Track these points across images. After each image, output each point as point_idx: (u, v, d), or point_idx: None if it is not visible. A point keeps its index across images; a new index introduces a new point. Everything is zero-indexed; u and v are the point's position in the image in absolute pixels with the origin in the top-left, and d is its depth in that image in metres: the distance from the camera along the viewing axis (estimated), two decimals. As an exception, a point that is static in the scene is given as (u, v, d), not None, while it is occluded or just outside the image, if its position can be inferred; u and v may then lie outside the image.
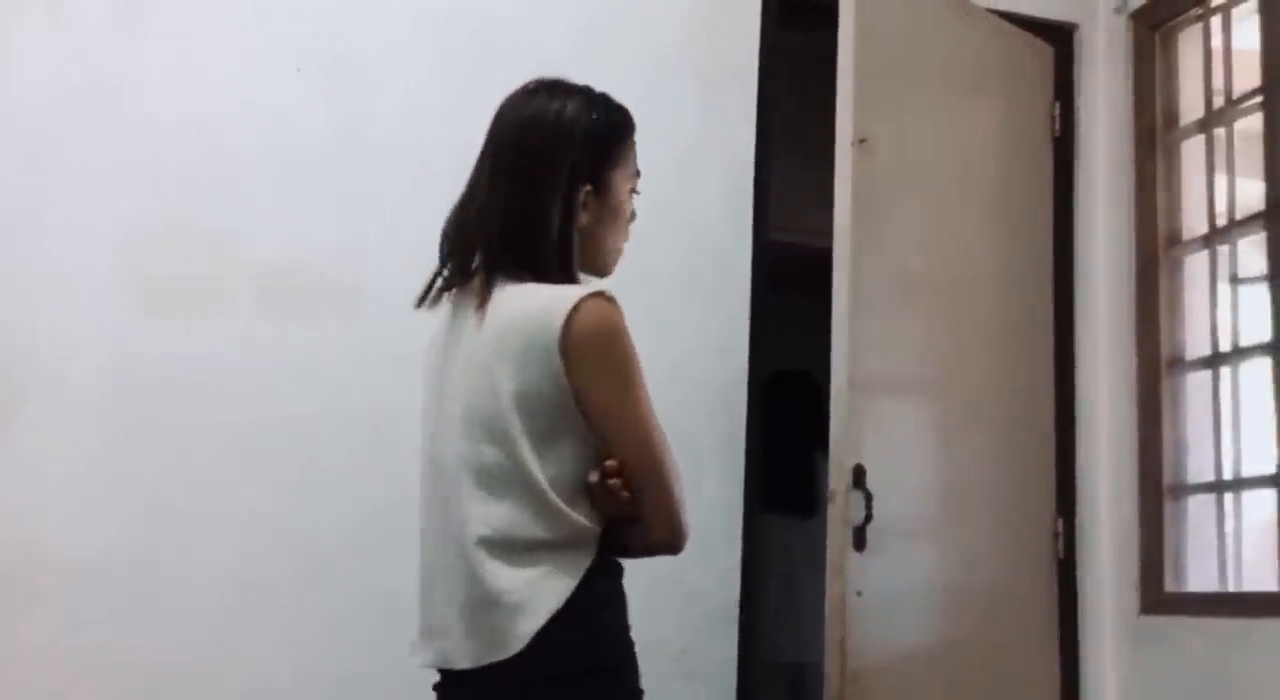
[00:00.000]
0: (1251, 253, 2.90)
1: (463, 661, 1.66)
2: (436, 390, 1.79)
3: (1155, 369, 2.97)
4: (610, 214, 1.78)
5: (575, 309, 1.62)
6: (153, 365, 2.68)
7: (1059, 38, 3.29)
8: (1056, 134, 3.24)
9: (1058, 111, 3.25)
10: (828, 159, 2.83)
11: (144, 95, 2.76)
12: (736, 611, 2.94)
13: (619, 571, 1.73)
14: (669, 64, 3.09)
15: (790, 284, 3.52)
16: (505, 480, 1.65)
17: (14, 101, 2.68)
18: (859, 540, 2.63)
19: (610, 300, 1.66)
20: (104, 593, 2.58)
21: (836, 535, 2.61)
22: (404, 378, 2.79)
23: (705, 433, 2.97)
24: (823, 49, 2.86)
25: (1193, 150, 3.04)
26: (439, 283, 1.78)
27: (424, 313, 2.70)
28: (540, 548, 1.65)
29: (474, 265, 1.74)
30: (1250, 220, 2.87)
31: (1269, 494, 2.72)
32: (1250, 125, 2.91)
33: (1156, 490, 2.92)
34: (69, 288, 2.67)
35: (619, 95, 3.01)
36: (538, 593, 1.63)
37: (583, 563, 1.66)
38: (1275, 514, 2.68)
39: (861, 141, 2.78)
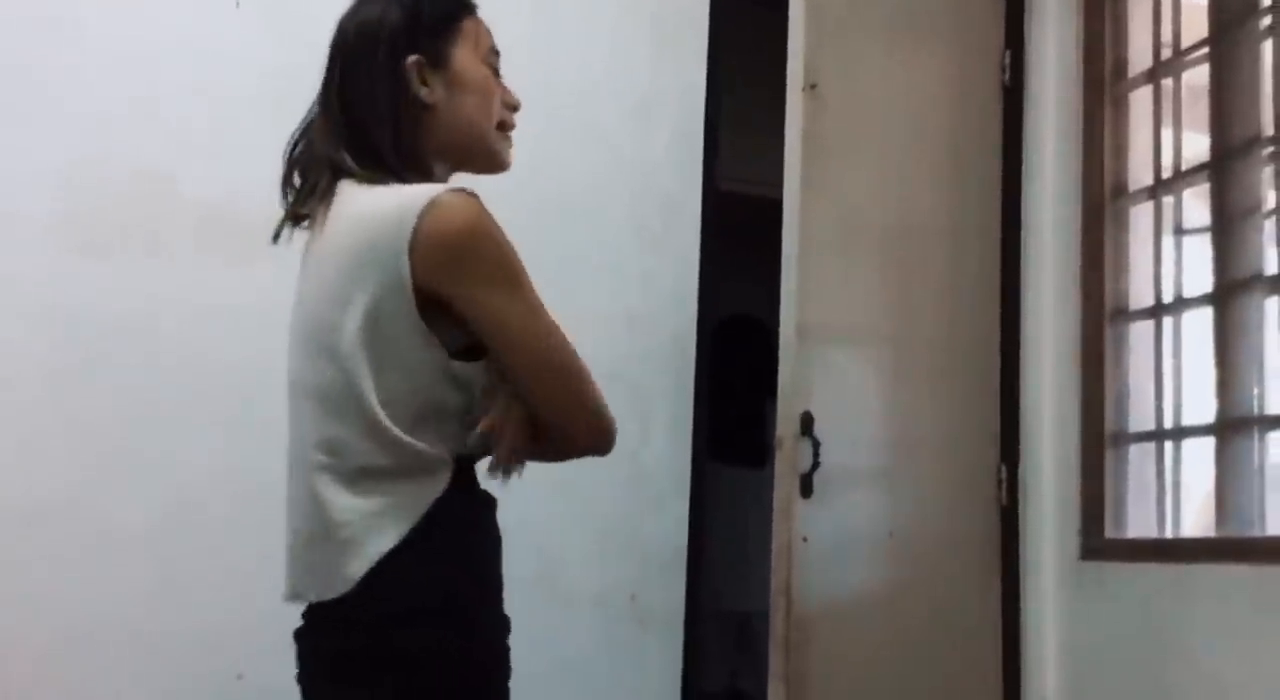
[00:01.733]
0: (1196, 204, 2.92)
1: (308, 595, 1.54)
2: (296, 303, 1.62)
3: (1099, 319, 2.99)
4: (463, 87, 1.62)
5: (429, 207, 1.44)
6: (90, 307, 2.63)
7: (1011, -15, 3.28)
8: (1007, 83, 3.23)
9: (1008, 60, 3.24)
10: (779, 106, 2.81)
11: (79, 33, 2.68)
12: (685, 559, 2.96)
13: (482, 505, 1.57)
14: (621, 8, 3.06)
15: (741, 232, 3.52)
16: (340, 400, 1.49)
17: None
18: (806, 487, 2.64)
19: (472, 195, 1.49)
20: (41, 536, 2.54)
21: (784, 482, 2.62)
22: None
23: (656, 382, 2.97)
24: (775, -6, 2.84)
25: (1141, 101, 3.05)
26: (289, 210, 1.62)
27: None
28: (379, 476, 1.48)
29: (331, 180, 1.57)
30: (1194, 172, 2.88)
31: (1208, 442, 2.76)
32: (1197, 77, 2.93)
33: (1098, 438, 2.95)
34: (4, 229, 2.60)
35: (573, 43, 3.02)
36: (372, 528, 1.47)
37: (427, 496, 1.49)
38: (1214, 462, 2.72)
39: (812, 87, 2.76)
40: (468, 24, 1.65)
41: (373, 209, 1.49)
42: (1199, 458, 2.80)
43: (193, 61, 2.74)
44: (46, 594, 2.52)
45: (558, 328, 1.53)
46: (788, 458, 2.62)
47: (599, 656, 2.84)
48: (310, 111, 1.63)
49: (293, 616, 2.68)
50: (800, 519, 2.62)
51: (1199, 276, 2.85)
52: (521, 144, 2.92)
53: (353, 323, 1.46)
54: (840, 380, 2.81)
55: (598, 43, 3.02)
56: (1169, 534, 2.84)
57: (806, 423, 2.65)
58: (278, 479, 2.61)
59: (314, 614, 1.53)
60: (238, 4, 2.78)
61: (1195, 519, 2.82)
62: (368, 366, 1.47)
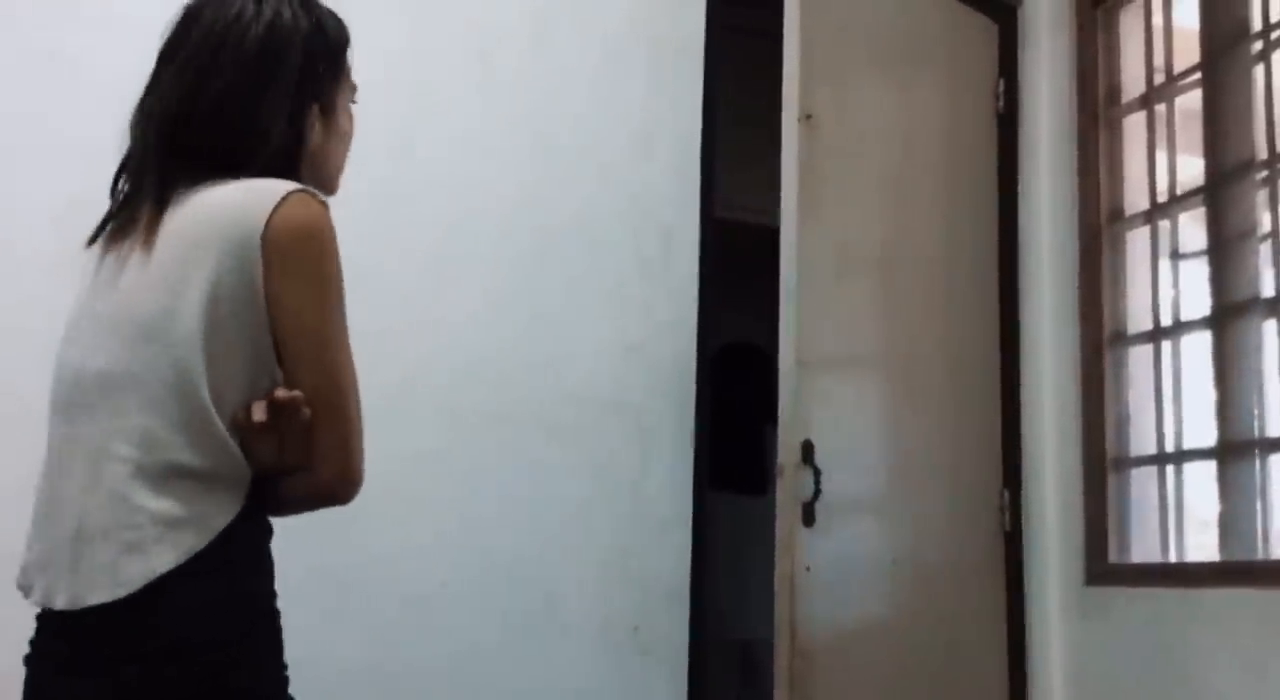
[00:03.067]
0: (1192, 228, 2.93)
1: (59, 599, 1.40)
2: (85, 311, 1.53)
3: (1098, 343, 3.00)
4: (336, 135, 1.63)
5: (283, 201, 1.43)
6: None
7: (1004, 14, 3.31)
8: (1001, 110, 3.26)
9: (1002, 88, 3.26)
10: (775, 135, 2.82)
11: (77, 66, 2.69)
12: (688, 589, 2.95)
13: (267, 531, 1.49)
14: (618, 41, 3.07)
15: (739, 260, 3.53)
16: (164, 389, 1.40)
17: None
18: (808, 516, 2.64)
19: (323, 202, 1.47)
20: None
21: (786, 511, 2.62)
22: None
23: (656, 411, 2.97)
24: (770, 26, 2.85)
25: (1135, 127, 3.07)
26: (125, 217, 1.53)
27: (361, 291, 2.68)
28: (185, 476, 1.40)
29: (167, 181, 1.49)
30: (1190, 196, 2.90)
31: (1209, 466, 2.76)
32: (1190, 102, 2.94)
33: (1100, 463, 2.95)
34: (8, 266, 2.61)
35: (569, 71, 3.05)
36: (162, 535, 1.37)
37: (229, 508, 1.41)
38: (1216, 486, 2.72)
39: (807, 117, 2.78)
40: (347, 61, 1.65)
41: (224, 199, 1.45)
42: (1201, 481, 2.80)
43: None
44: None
45: (350, 360, 1.48)
46: (789, 487, 2.62)
47: (603, 690, 2.82)
48: (156, 88, 1.55)
49: (293, 653, 2.66)
50: (802, 548, 2.61)
51: (1197, 300, 2.86)
52: (519, 176, 2.97)
53: (191, 309, 1.41)
54: (840, 408, 2.81)
55: (594, 75, 3.03)
56: (1173, 558, 2.83)
57: (807, 451, 2.65)
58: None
59: (75, 624, 1.39)
60: (236, 42, 2.79)
61: (1198, 542, 2.81)
62: (203, 355, 1.40)
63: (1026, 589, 3.03)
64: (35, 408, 2.54)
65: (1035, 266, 3.17)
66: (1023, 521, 3.07)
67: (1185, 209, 2.93)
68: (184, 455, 1.40)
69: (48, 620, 1.44)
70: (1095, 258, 3.05)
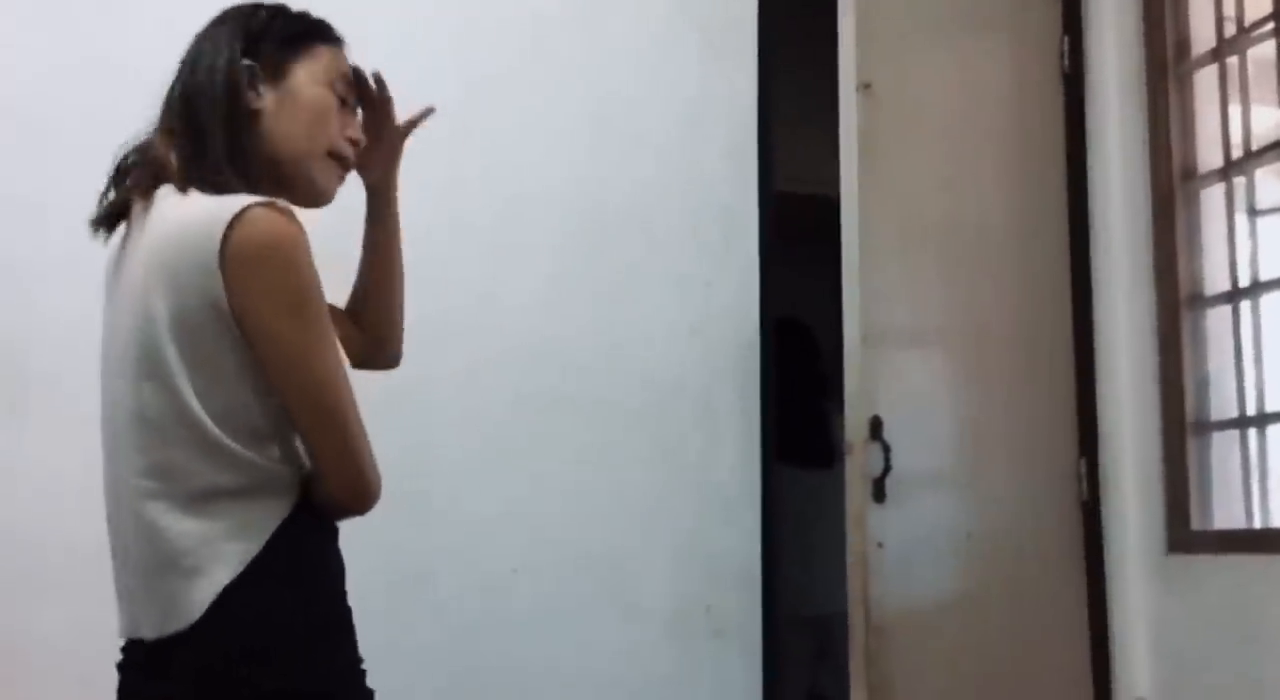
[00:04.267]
0: (1268, 184, 2.84)
1: (146, 630, 1.44)
2: (106, 323, 1.55)
3: (1174, 306, 2.92)
4: (294, 102, 1.56)
5: (238, 218, 1.37)
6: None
7: (1066, -29, 3.22)
8: (1066, 70, 3.17)
9: (1067, 47, 3.17)
10: (833, 105, 2.78)
11: (134, 72, 2.69)
12: (759, 567, 2.94)
13: (327, 529, 1.50)
14: (670, 18, 3.05)
15: (801, 233, 3.49)
16: (165, 420, 1.41)
17: (3, 87, 2.65)
18: (878, 492, 2.61)
19: (284, 212, 1.41)
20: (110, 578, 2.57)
21: (855, 489, 2.60)
22: (408, 346, 2.79)
23: (721, 391, 2.95)
24: (823, -5, 2.81)
25: (1206, 81, 2.97)
26: (105, 207, 1.58)
27: (427, 284, 2.69)
28: (218, 497, 1.41)
29: (149, 187, 1.51)
30: (1266, 150, 2.80)
31: (1294, 428, 2.69)
32: (1263, 53, 2.84)
33: (1179, 428, 2.87)
34: (70, 275, 2.65)
35: (621, 52, 3.03)
36: (216, 553, 1.39)
37: (274, 514, 1.42)
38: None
39: (865, 87, 2.73)
40: (320, 48, 1.62)
41: (179, 218, 1.43)
42: (1285, 444, 2.72)
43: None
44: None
45: (340, 369, 1.46)
46: (858, 463, 2.59)
47: (677, 673, 2.83)
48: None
49: (365, 641, 2.70)
50: (874, 525, 2.58)
51: (1276, 258, 2.77)
52: (576, 160, 2.96)
53: (165, 341, 1.40)
54: (908, 382, 2.77)
55: (646, 54, 3.01)
56: (1257, 524, 2.76)
57: (875, 427, 2.62)
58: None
59: (160, 648, 1.43)
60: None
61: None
62: (190, 384, 1.40)
63: (1106, 559, 2.97)
64: (81, 409, 2.59)
65: (1107, 229, 3.09)
66: (1101, 490, 3.00)
67: (1261, 164, 2.83)
68: (212, 479, 1.41)
69: (134, 648, 1.50)
70: (1169, 218, 2.96)
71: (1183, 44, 3.01)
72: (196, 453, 1.41)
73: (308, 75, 1.59)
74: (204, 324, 1.39)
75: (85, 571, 2.55)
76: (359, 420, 1.46)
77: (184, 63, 1.60)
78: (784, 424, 3.19)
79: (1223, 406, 2.86)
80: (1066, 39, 3.17)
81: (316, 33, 1.64)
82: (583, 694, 2.74)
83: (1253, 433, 2.79)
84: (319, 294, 1.44)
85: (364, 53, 2.83)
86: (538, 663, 2.74)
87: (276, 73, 1.56)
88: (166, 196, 1.48)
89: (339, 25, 2.83)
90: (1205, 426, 2.87)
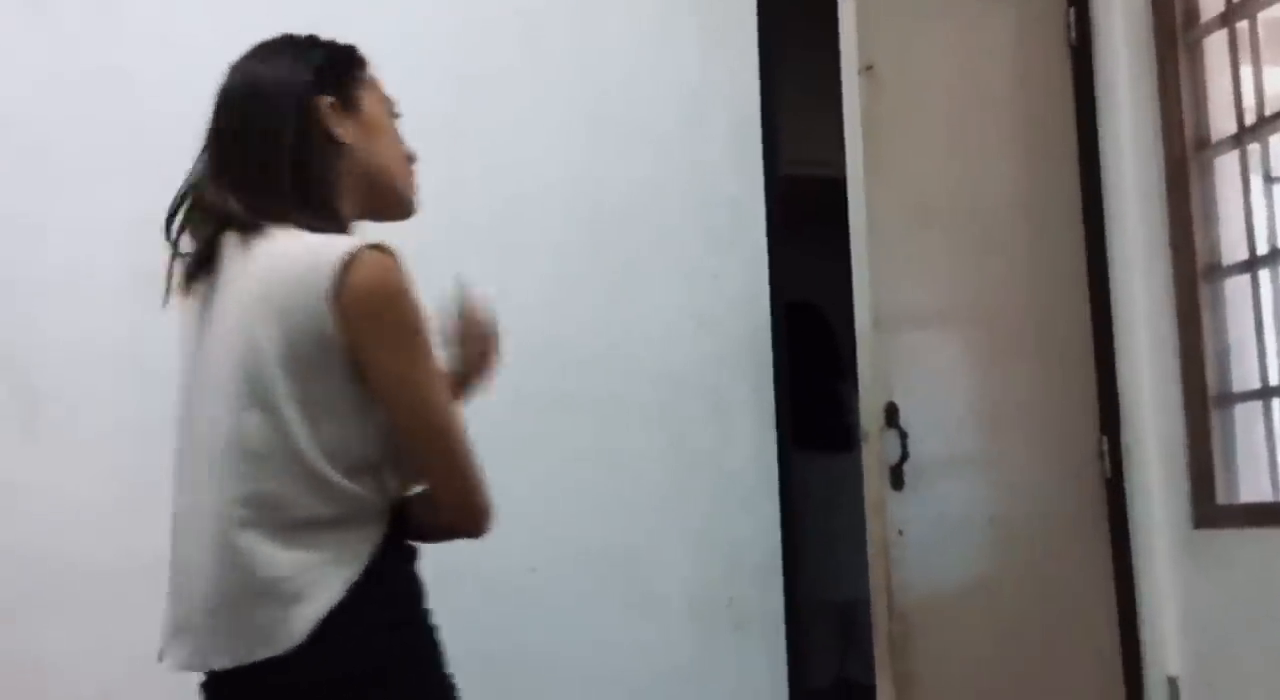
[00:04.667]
0: (1284, 149, 2.79)
1: (221, 661, 1.46)
2: (192, 355, 1.58)
3: (1192, 277, 2.87)
4: (376, 130, 1.62)
5: (349, 261, 1.43)
6: (168, 363, 2.65)
7: (1069, -60, 3.16)
8: (1073, 41, 3.11)
9: (1073, 18, 3.12)
10: (835, 86, 2.75)
11: (132, 83, 2.72)
12: (779, 557, 2.91)
13: (412, 554, 1.55)
14: (665, 8, 3.01)
15: (808, 216, 3.46)
16: (270, 451, 1.45)
17: (2, 100, 2.64)
18: (896, 479, 2.58)
19: (389, 252, 1.46)
20: (127, 598, 2.56)
21: (873, 476, 2.57)
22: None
23: (733, 382, 2.92)
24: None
25: (1216, 47, 2.92)
26: (180, 267, 1.59)
27: (425, 284, 2.67)
28: (316, 527, 1.45)
29: (217, 231, 1.54)
30: (1279, 116, 2.75)
31: (1318, 398, 2.64)
32: (1274, 13, 2.79)
33: (1202, 401, 2.83)
34: (77, 288, 2.65)
35: (619, 43, 2.99)
36: (317, 579, 1.43)
37: (368, 543, 1.47)
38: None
39: (868, 69, 2.69)
40: (368, 73, 1.67)
41: (287, 257, 1.47)
42: (1310, 414, 2.68)
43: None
44: (138, 652, 2.53)
45: (448, 395, 1.54)
46: (874, 451, 2.56)
47: (700, 666, 2.80)
48: (195, 167, 1.61)
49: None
50: (893, 512, 2.55)
51: (1294, 225, 2.72)
52: (575, 154, 2.93)
53: (278, 374, 1.44)
54: (923, 367, 2.74)
55: (644, 44, 2.98)
56: (1284, 496, 2.71)
57: (891, 414, 2.59)
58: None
59: (246, 678, 1.44)
60: (287, 47, 2.78)
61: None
62: (302, 418, 1.44)
63: (1132, 536, 2.93)
64: (115, 428, 2.56)
65: (1120, 202, 3.04)
66: (1124, 467, 2.96)
67: (1276, 130, 2.78)
68: (309, 510, 1.45)
69: (213, 678, 1.50)
70: (1183, 188, 2.91)
71: (1191, 10, 2.96)
72: (300, 484, 1.45)
73: (371, 101, 1.65)
74: (315, 359, 1.44)
75: (93, 591, 2.56)
76: (469, 447, 1.51)
77: (233, 100, 1.60)
78: (798, 410, 3.17)
79: (1245, 377, 2.81)
80: (1072, 10, 3.12)
81: (361, 60, 1.69)
82: (606, 691, 2.72)
83: (1276, 403, 2.74)
84: (426, 326, 1.49)
85: (363, 53, 2.83)
86: (560, 661, 2.72)
87: (349, 105, 1.61)
88: (250, 239, 1.50)
89: (334, 26, 2.79)
90: (1228, 398, 2.83)
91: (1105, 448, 2.97)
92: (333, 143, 1.57)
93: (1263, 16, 2.82)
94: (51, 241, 2.63)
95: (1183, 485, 2.84)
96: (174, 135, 2.68)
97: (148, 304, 2.61)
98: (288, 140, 1.54)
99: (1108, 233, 3.06)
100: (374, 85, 1.67)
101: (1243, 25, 2.85)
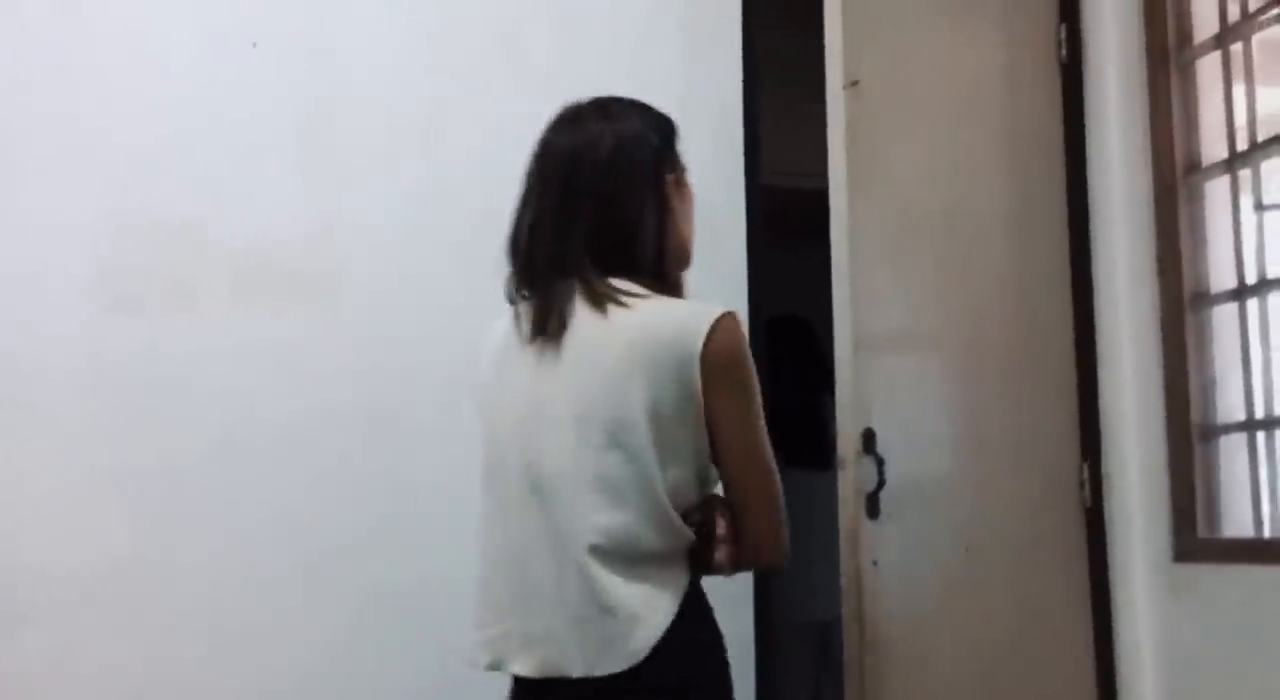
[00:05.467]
0: (1276, 176, 2.73)
1: (575, 670, 1.69)
2: (524, 393, 1.77)
3: (1179, 304, 2.81)
4: (685, 200, 1.88)
5: (714, 327, 1.69)
6: (129, 365, 2.58)
7: (1062, -45, 3.09)
8: (1064, 59, 3.05)
9: (1064, 35, 3.05)
10: (819, 97, 2.68)
11: (94, 82, 2.64)
12: (751, 577, 2.85)
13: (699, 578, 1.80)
14: (649, 17, 2.94)
15: (789, 229, 3.39)
16: (628, 489, 1.68)
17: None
18: (872, 508, 2.51)
19: (738, 319, 1.75)
20: (93, 603, 2.50)
21: (849, 505, 2.50)
22: (387, 362, 2.71)
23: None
24: (808, -12, 2.70)
25: (1209, 69, 2.86)
26: (537, 321, 1.78)
27: (405, 295, 2.63)
28: (650, 559, 1.70)
29: (567, 294, 1.75)
30: (1272, 142, 2.69)
31: (1304, 432, 2.59)
32: (1269, 35, 2.73)
33: (1185, 431, 2.77)
34: (37, 288, 2.57)
35: (600, 52, 2.91)
36: (653, 603, 1.68)
37: (684, 573, 1.73)
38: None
39: (853, 84, 2.62)
40: (678, 147, 1.90)
41: (660, 319, 1.71)
42: (1295, 449, 2.62)
43: (212, 103, 2.68)
44: (106, 659, 2.48)
45: (771, 453, 1.78)
46: (850, 478, 2.50)
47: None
48: (528, 208, 1.80)
49: (352, 673, 2.61)
50: (868, 542, 2.49)
51: (1284, 254, 2.67)
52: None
53: (640, 420, 1.67)
54: (902, 391, 2.67)
55: (626, 50, 2.90)
56: (1267, 532, 2.66)
57: (868, 440, 2.53)
58: (332, 534, 2.60)
59: (589, 686, 1.68)
60: (255, 44, 2.70)
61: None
62: (657, 461, 1.68)
63: (1110, 568, 2.88)
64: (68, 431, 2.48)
65: (1107, 225, 2.98)
66: (1104, 497, 2.90)
67: (1268, 156, 2.72)
68: (651, 543, 1.70)
69: (546, 683, 1.73)
70: (1172, 213, 2.85)
71: (1184, 30, 2.90)
72: (647, 517, 1.69)
73: (683, 174, 1.89)
74: (677, 410, 1.69)
75: (56, 595, 2.49)
76: (781, 495, 1.78)
77: (593, 162, 1.78)
78: (778, 426, 3.11)
79: (1229, 409, 2.76)
80: (1064, 27, 3.06)
81: (677, 133, 1.91)
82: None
83: (1261, 436, 2.69)
84: (758, 388, 1.77)
85: (337, 53, 2.75)
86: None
87: (679, 180, 1.88)
88: (619, 296, 1.73)
89: (312, 26, 2.74)
90: (1212, 430, 2.77)
91: (1086, 476, 2.92)
92: (670, 213, 1.82)
93: (1258, 38, 2.77)
94: (12, 239, 2.55)
95: (1164, 517, 2.79)
96: (139, 134, 2.64)
97: (109, 303, 2.57)
98: (649, 214, 1.78)
99: (1094, 255, 3.00)
100: (680, 159, 1.89)
101: (1237, 48, 2.80)
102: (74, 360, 2.56)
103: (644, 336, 1.69)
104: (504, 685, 2.60)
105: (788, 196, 3.35)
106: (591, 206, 1.76)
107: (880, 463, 2.52)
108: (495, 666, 1.79)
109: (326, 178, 2.71)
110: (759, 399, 1.76)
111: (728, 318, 1.72)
